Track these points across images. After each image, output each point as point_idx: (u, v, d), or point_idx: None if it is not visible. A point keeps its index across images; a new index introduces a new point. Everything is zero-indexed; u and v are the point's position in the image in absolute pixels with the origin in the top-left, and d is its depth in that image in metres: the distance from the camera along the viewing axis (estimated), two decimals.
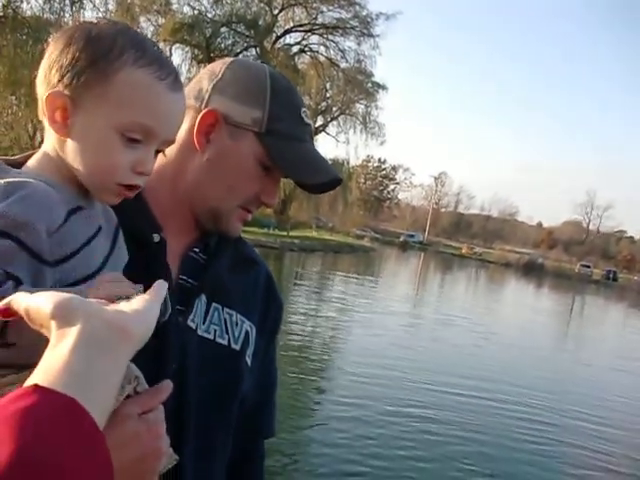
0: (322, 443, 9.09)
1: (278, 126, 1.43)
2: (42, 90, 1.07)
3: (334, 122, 60.82)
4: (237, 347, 1.52)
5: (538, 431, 11.52)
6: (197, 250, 1.51)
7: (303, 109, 1.50)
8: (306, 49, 54.03)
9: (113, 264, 1.15)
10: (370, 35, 52.14)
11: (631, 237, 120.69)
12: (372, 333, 18.46)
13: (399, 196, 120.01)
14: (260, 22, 48.25)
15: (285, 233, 49.86)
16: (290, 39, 53.39)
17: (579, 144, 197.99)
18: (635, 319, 48.62)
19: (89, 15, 31.00)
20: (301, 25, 52.22)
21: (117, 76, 1.04)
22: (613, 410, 14.59)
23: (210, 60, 38.62)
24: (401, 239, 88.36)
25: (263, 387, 1.67)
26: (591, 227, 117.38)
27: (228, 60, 1.50)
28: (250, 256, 1.68)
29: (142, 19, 40.98)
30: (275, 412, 1.74)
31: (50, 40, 1.09)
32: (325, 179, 1.47)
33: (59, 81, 1.04)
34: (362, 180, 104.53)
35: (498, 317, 30.91)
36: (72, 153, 1.07)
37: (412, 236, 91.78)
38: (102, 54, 1.04)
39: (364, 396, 11.66)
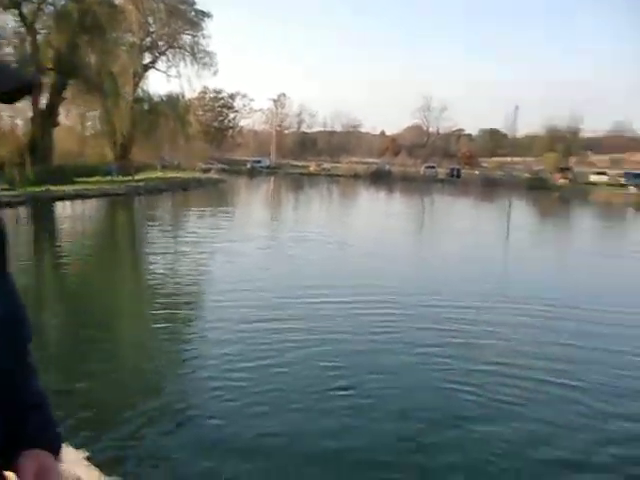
0: (199, 374, 9.44)
1: None
2: None
3: (162, 57, 59.13)
4: None
5: (402, 319, 12.54)
6: None
7: None
8: None
9: None
10: None
11: (469, 134, 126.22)
12: (232, 260, 18.77)
13: (240, 123, 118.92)
14: None
15: (130, 178, 48.60)
16: None
17: (406, 50, 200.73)
18: (480, 209, 51.63)
19: None
20: None
21: None
22: (472, 283, 15.89)
23: None
24: (248, 166, 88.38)
25: (11, 312, 1.65)
26: (431, 130, 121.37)
27: None
28: None
29: None
30: (29, 325, 1.72)
31: None
32: (15, 85, 1.34)
33: None
34: (200, 112, 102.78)
35: (353, 228, 31.98)
36: None
37: (259, 162, 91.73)
38: None
39: (233, 320, 12.07)
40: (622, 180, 74.01)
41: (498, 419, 8.03)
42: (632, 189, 63.73)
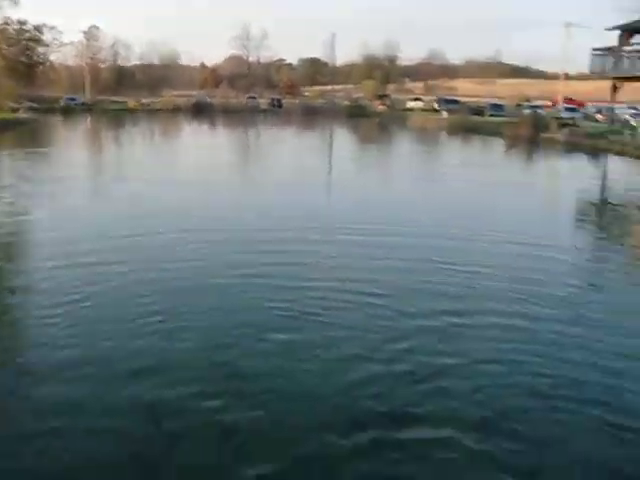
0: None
1: None
2: None
3: None
4: None
5: (217, 246, 12.87)
6: None
7: None
8: None
9: None
10: None
11: (290, 64, 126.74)
12: (46, 203, 17.96)
13: (51, 58, 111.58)
14: None
15: None
16: None
17: None
18: (302, 138, 52.30)
19: None
20: None
21: None
22: (291, 210, 16.33)
23: None
24: (62, 104, 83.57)
25: None
26: (252, 60, 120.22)
27: None
28: None
29: None
30: None
31: None
32: None
33: None
34: (4, 47, 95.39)
35: (178, 163, 31.41)
36: None
37: (73, 99, 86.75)
38: None
39: (43, 258, 11.77)
40: (435, 106, 77.06)
41: (304, 329, 8.50)
42: (444, 114, 66.56)
